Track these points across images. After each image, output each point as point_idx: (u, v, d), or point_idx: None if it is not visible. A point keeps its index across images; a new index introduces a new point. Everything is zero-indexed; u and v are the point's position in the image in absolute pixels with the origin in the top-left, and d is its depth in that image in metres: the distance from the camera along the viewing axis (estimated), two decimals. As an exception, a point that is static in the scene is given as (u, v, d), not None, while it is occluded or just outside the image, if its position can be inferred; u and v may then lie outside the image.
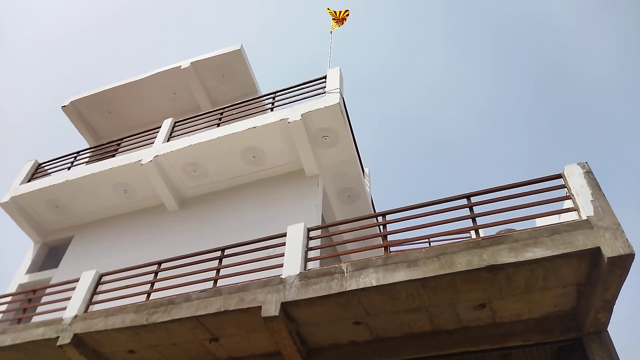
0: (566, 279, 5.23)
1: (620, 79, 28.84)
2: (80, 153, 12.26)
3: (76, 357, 7.06)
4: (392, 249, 7.21)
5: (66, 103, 14.08)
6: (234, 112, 11.13)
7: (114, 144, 12.16)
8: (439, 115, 35.50)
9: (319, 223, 9.01)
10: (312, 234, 7.17)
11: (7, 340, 7.44)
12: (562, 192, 5.73)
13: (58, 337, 7.07)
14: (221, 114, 11.05)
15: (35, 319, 8.61)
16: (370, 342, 6.55)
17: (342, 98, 9.72)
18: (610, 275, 4.76)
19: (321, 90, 9.90)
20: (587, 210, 5.14)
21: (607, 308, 5.15)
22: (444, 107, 34.97)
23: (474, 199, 6.17)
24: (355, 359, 6.53)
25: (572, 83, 31.68)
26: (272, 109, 10.55)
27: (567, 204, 5.60)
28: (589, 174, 5.48)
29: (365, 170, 13.06)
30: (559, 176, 5.72)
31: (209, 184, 10.76)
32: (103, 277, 8.03)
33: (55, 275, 10.65)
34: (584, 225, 5.01)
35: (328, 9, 12.83)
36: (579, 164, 5.63)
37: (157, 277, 7.66)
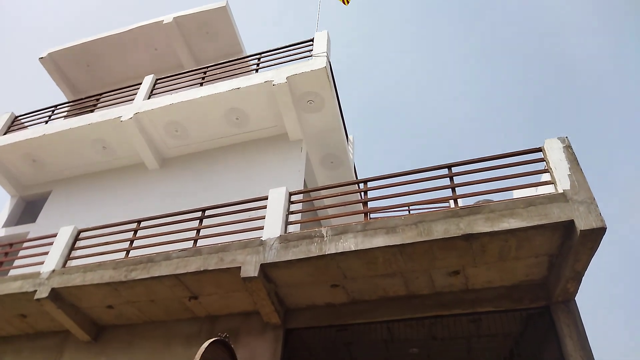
0: (539, 250, 5.39)
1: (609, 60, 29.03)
2: (58, 107, 11.93)
3: (54, 311, 7.08)
4: (371, 215, 7.30)
5: (44, 54, 13.57)
6: (218, 71, 10.88)
7: (92, 98, 11.84)
8: (425, 87, 35.39)
9: (301, 188, 9.02)
10: (293, 198, 7.21)
11: (-17, 292, 7.41)
12: (541, 166, 5.83)
13: (35, 290, 7.07)
14: (204, 73, 10.81)
15: (13, 272, 8.57)
16: (347, 304, 6.72)
17: (329, 62, 9.58)
18: (582, 247, 4.92)
19: (308, 54, 9.73)
20: (563, 183, 5.26)
21: (577, 278, 5.34)
22: (431, 77, 34.83)
23: (454, 169, 6.24)
24: (331, 320, 6.71)
25: (560, 59, 31.77)
26: (257, 71, 10.35)
27: (545, 177, 5.72)
28: (568, 148, 5.57)
29: (350, 137, 13.04)
30: (539, 149, 5.81)
31: (190, 145, 10.63)
32: (81, 233, 7.98)
33: (32, 229, 10.53)
34: (559, 198, 5.14)
35: None
36: (559, 138, 5.71)
37: (137, 235, 7.64)
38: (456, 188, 6.09)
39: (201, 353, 4.12)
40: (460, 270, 5.88)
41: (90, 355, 7.42)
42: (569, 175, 5.29)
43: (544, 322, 6.01)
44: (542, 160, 5.76)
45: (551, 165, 5.54)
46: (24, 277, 7.40)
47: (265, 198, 7.02)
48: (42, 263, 7.55)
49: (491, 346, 6.94)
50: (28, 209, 11.71)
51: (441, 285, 6.22)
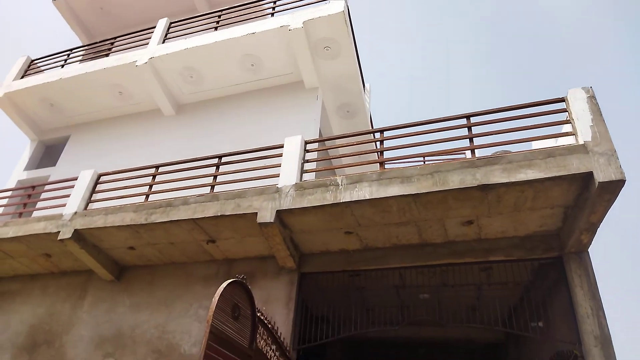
0: (555, 201, 5.37)
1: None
2: (74, 51, 11.86)
3: (77, 251, 7.37)
4: (387, 165, 7.28)
5: (57, -4, 13.33)
6: (233, 15, 10.63)
7: (107, 42, 11.72)
8: (444, 33, 34.14)
9: (316, 136, 9.01)
10: (309, 146, 7.20)
11: (9, 232, 7.71)
12: (562, 117, 5.70)
13: (59, 231, 7.32)
14: (219, 16, 10.56)
15: (36, 214, 8.86)
16: (360, 251, 6.87)
17: (347, 7, 9.27)
18: (599, 199, 4.89)
19: (325, -2, 9.40)
20: (585, 135, 5.16)
21: (592, 230, 5.35)
22: (449, 25, 33.53)
23: (473, 119, 6.13)
24: (345, 266, 6.88)
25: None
26: (272, 15, 10.09)
27: (566, 128, 5.61)
28: (592, 99, 5.42)
29: (366, 86, 12.82)
30: (562, 100, 5.66)
31: (206, 91, 10.56)
32: (101, 177, 8.14)
33: (53, 173, 10.78)
34: (579, 149, 5.05)
35: None
36: (583, 88, 5.54)
37: (155, 180, 7.78)
38: (474, 138, 6.01)
39: (220, 292, 4.27)
40: (474, 220, 5.91)
41: (113, 293, 7.78)
42: (590, 126, 5.18)
43: (555, 272, 6.09)
44: (564, 110, 5.62)
45: (573, 116, 5.41)
46: (46, 218, 7.65)
47: (281, 146, 7.03)
48: (63, 206, 7.77)
49: (501, 294, 7.09)
50: (48, 153, 11.94)
51: (454, 234, 6.29)
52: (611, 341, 5.18)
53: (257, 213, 6.28)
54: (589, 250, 5.71)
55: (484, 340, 10.03)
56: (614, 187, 4.75)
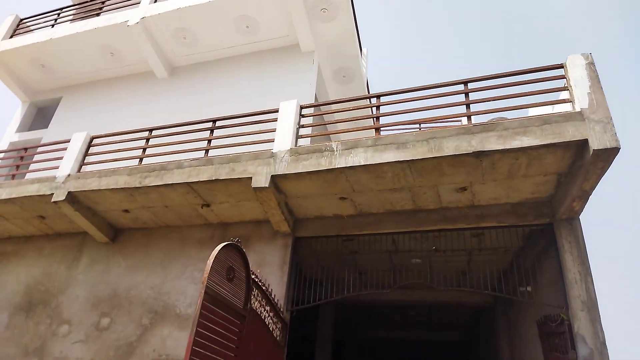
0: (548, 168, 5.40)
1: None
2: (64, 10, 11.52)
3: (71, 214, 7.38)
4: (382, 131, 7.25)
5: (43, -49, 12.85)
6: (228, -26, 10.28)
7: (98, 2, 11.37)
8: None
9: (312, 101, 8.91)
10: (304, 111, 7.14)
11: (2, 194, 7.68)
12: (560, 83, 5.64)
13: (52, 194, 7.30)
14: (213, -25, 10.22)
15: (28, 176, 8.82)
16: (354, 216, 6.92)
17: (345, -34, 9.00)
18: (593, 166, 4.91)
19: (323, -44, 9.11)
20: (582, 102, 5.13)
21: (584, 197, 5.40)
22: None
23: (470, 85, 6.07)
24: (339, 231, 6.95)
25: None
26: (268, -26, 9.78)
27: (564, 95, 5.57)
28: (590, 65, 5.37)
29: (363, 50, 12.61)
30: (560, 66, 5.60)
31: (199, 53, 10.36)
32: (94, 140, 8.07)
33: (45, 135, 10.66)
34: (576, 117, 5.04)
35: None
36: (582, 54, 5.47)
37: (149, 144, 7.72)
38: (471, 105, 5.97)
39: (215, 254, 4.32)
40: (468, 187, 5.95)
41: (109, 255, 7.84)
42: (588, 93, 5.15)
43: (545, 238, 6.18)
44: (562, 77, 5.57)
45: (571, 83, 5.37)
46: (40, 180, 7.61)
47: (276, 111, 6.96)
48: (56, 168, 7.72)
49: (491, 259, 7.22)
50: (39, 115, 11.78)
51: (447, 201, 6.34)
52: (597, 305, 5.32)
53: (251, 178, 6.27)
54: (579, 217, 5.79)
55: (473, 303, 10.29)
56: (609, 155, 4.77)
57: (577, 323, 5.29)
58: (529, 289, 6.52)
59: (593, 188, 5.23)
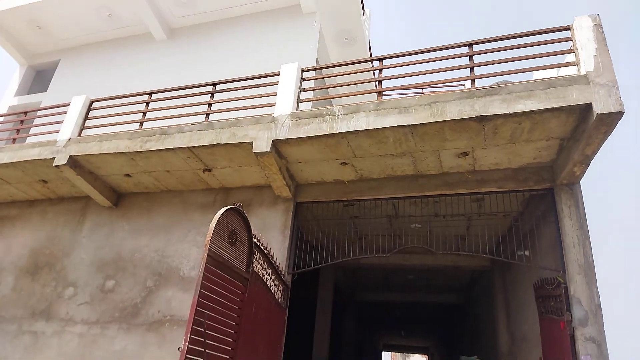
0: (551, 133, 5.37)
1: None
2: (57, -31, 11.19)
3: (73, 177, 7.40)
4: (384, 95, 7.18)
5: None
6: None
7: (93, -40, 11.04)
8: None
9: (314, 64, 8.78)
10: (305, 75, 7.05)
11: (4, 158, 7.68)
12: (566, 46, 5.53)
13: (54, 157, 7.30)
14: None
15: (29, 140, 8.79)
16: (355, 182, 6.94)
17: None
18: (596, 131, 4.88)
19: None
20: (587, 65, 5.05)
21: (585, 162, 5.39)
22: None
23: (475, 48, 5.95)
24: (339, 196, 6.99)
25: None
26: None
27: (569, 58, 5.47)
28: (598, 27, 5.25)
29: (366, 11, 12.31)
30: (567, 28, 5.48)
31: (199, 14, 10.13)
32: (93, 104, 8.00)
33: (44, 99, 10.58)
34: (580, 80, 4.97)
35: None
36: (590, 16, 5.34)
37: (149, 108, 7.67)
38: (475, 68, 5.87)
39: (217, 218, 4.35)
40: (469, 152, 5.93)
41: (112, 219, 7.92)
42: (594, 56, 5.05)
43: (545, 203, 6.22)
44: (568, 40, 5.45)
45: (577, 45, 5.26)
46: (41, 144, 7.60)
47: (277, 74, 6.87)
48: (57, 132, 7.69)
49: (490, 224, 7.28)
50: (38, 79, 11.65)
51: (449, 166, 6.34)
52: (594, 269, 5.40)
53: (252, 142, 6.25)
54: (580, 182, 5.80)
55: (471, 267, 10.45)
56: (612, 119, 4.73)
57: (573, 286, 5.38)
58: (526, 253, 6.61)
59: (595, 153, 5.21)
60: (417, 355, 31.02)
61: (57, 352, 7.00)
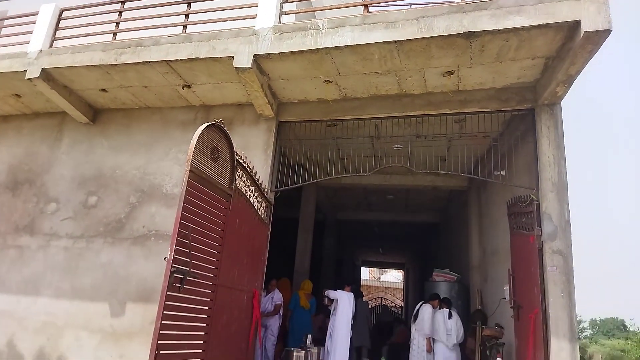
0: (537, 51, 5.31)
1: None
2: None
3: (47, 91, 7.14)
4: (371, 8, 6.89)
5: None
6: None
7: None
8: None
9: (297, -26, 8.28)
10: (288, -16, 6.67)
11: (-29, 72, 7.31)
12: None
13: (26, 70, 6.98)
14: None
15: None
16: (338, 101, 6.87)
17: None
18: (581, 50, 4.84)
19: None
20: (579, -20, 4.88)
21: (568, 82, 5.40)
22: None
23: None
24: (322, 115, 6.94)
25: None
26: None
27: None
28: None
29: None
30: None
31: None
32: (64, 13, 7.53)
33: (10, 8, 9.87)
34: (572, -5, 4.83)
35: None
36: None
37: (122, 17, 7.26)
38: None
39: (199, 134, 4.31)
40: (455, 71, 5.87)
41: (90, 136, 7.78)
42: (587, -30, 4.88)
43: (525, 124, 6.30)
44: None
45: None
46: (11, 56, 7.22)
47: (259, -18, 6.49)
48: (26, 43, 7.29)
49: (470, 144, 7.37)
50: (-1, -15, 10.78)
51: (433, 85, 6.29)
52: (567, 187, 5.61)
53: (233, 57, 6.04)
54: (561, 103, 5.84)
55: (448, 187, 10.76)
56: (599, 37, 4.67)
57: (545, 203, 5.61)
58: (503, 172, 6.78)
59: (579, 72, 5.20)
60: (393, 270, 32.70)
61: (44, 265, 7.16)
